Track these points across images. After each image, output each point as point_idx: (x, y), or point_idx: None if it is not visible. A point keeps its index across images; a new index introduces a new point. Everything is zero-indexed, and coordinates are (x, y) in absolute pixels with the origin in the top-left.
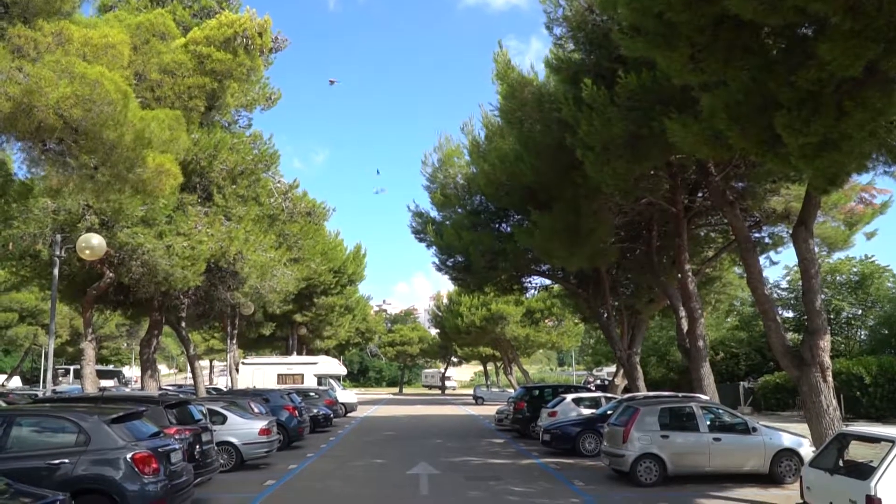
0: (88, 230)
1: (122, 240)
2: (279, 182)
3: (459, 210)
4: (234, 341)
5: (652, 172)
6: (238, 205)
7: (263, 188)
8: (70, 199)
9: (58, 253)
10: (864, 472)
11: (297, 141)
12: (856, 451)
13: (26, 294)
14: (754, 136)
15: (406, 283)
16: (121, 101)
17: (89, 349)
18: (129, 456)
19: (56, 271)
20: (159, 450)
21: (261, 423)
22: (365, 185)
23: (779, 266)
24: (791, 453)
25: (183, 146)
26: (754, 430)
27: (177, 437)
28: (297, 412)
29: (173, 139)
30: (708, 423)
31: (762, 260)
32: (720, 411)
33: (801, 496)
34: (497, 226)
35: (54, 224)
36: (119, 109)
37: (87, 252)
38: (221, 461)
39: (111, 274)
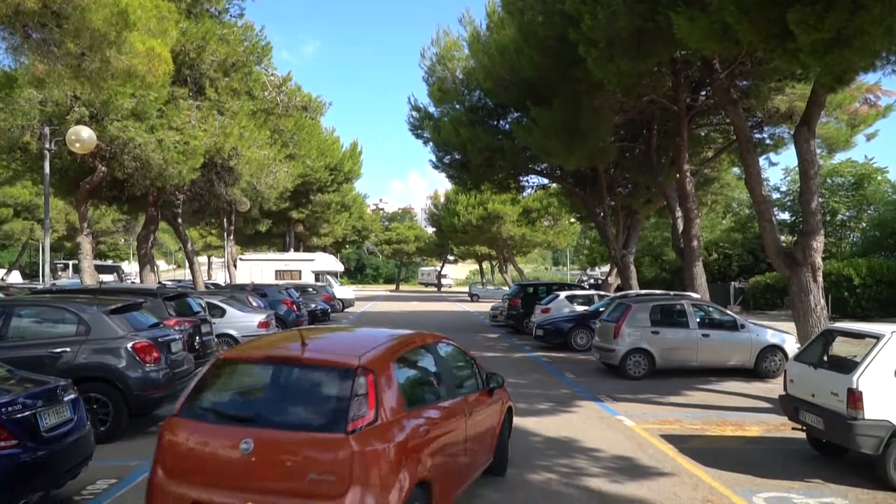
0: (77, 123)
1: (112, 133)
2: (272, 75)
3: (458, 106)
4: (232, 238)
5: (655, 69)
6: (231, 99)
7: (256, 81)
8: (56, 90)
9: (47, 146)
10: (847, 366)
11: (285, 31)
12: (840, 349)
13: (20, 189)
14: (764, 30)
15: (401, 181)
16: None
17: (86, 243)
18: (129, 345)
19: (47, 165)
20: (159, 340)
21: (259, 317)
22: (359, 80)
23: (778, 168)
24: (776, 349)
25: (172, 38)
26: (742, 326)
27: (176, 328)
28: (295, 306)
29: (163, 30)
30: (698, 319)
31: (762, 161)
32: (710, 309)
33: (784, 389)
34: (495, 123)
35: (42, 116)
36: None
37: (78, 145)
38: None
39: (103, 168)
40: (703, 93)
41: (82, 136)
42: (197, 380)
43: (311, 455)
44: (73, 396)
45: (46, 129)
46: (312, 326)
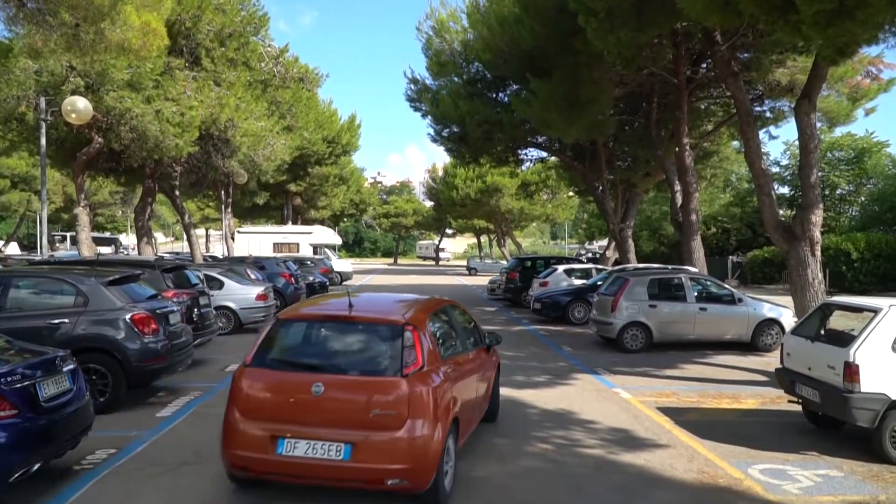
0: (73, 93)
1: (108, 104)
2: (269, 46)
3: (456, 79)
4: (229, 210)
5: (655, 41)
6: (227, 70)
7: (253, 52)
8: (52, 61)
9: (43, 116)
10: (844, 339)
11: (282, 1)
12: (837, 323)
13: (16, 160)
14: (766, 1)
15: (399, 154)
16: None
17: (83, 215)
18: (128, 317)
19: (43, 136)
20: (157, 311)
21: (258, 289)
22: (357, 51)
23: (778, 141)
24: (773, 323)
25: (167, 9)
26: (740, 300)
27: (174, 300)
28: (293, 279)
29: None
30: (695, 293)
31: (762, 135)
32: (708, 283)
33: (781, 362)
34: (494, 95)
35: (37, 86)
36: None
37: (73, 116)
38: (220, 324)
39: (100, 139)
40: (704, 65)
41: (78, 107)
42: (263, 336)
43: (375, 395)
44: (71, 367)
45: (42, 100)
46: (345, 291)
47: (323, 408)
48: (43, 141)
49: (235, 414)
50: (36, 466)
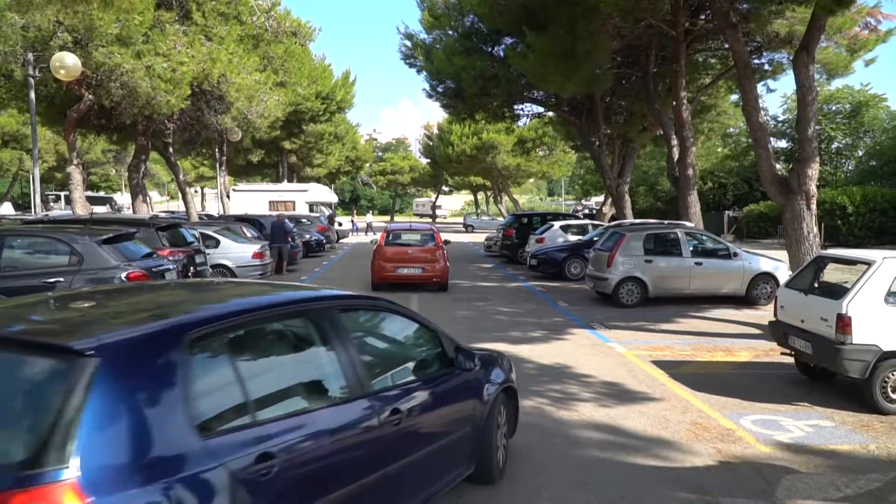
0: (61, 49)
1: (98, 59)
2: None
3: (451, 32)
4: (224, 168)
5: None
6: (219, 24)
7: (244, 5)
8: (39, 15)
9: (31, 73)
10: (837, 292)
11: None
12: (831, 276)
13: (6, 118)
14: None
15: (393, 109)
16: None
17: (76, 173)
18: (123, 275)
19: (32, 92)
20: (153, 270)
21: (254, 247)
22: (348, 3)
23: (776, 95)
24: (768, 277)
25: None
26: (735, 255)
27: (170, 258)
28: (290, 237)
29: None
30: (691, 248)
31: (760, 88)
32: (704, 237)
33: (774, 314)
34: (490, 50)
35: (25, 42)
36: None
37: (62, 72)
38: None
39: (90, 96)
40: (703, 17)
41: (67, 63)
42: (384, 234)
43: (429, 252)
44: None
45: (30, 56)
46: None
47: (412, 257)
48: (32, 98)
49: (380, 261)
50: None
